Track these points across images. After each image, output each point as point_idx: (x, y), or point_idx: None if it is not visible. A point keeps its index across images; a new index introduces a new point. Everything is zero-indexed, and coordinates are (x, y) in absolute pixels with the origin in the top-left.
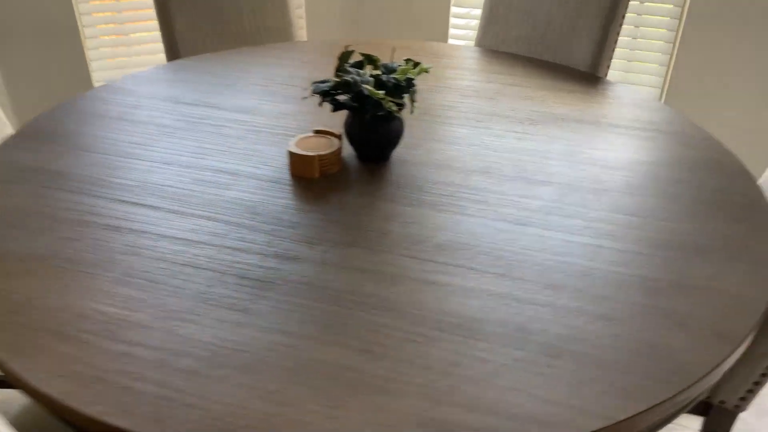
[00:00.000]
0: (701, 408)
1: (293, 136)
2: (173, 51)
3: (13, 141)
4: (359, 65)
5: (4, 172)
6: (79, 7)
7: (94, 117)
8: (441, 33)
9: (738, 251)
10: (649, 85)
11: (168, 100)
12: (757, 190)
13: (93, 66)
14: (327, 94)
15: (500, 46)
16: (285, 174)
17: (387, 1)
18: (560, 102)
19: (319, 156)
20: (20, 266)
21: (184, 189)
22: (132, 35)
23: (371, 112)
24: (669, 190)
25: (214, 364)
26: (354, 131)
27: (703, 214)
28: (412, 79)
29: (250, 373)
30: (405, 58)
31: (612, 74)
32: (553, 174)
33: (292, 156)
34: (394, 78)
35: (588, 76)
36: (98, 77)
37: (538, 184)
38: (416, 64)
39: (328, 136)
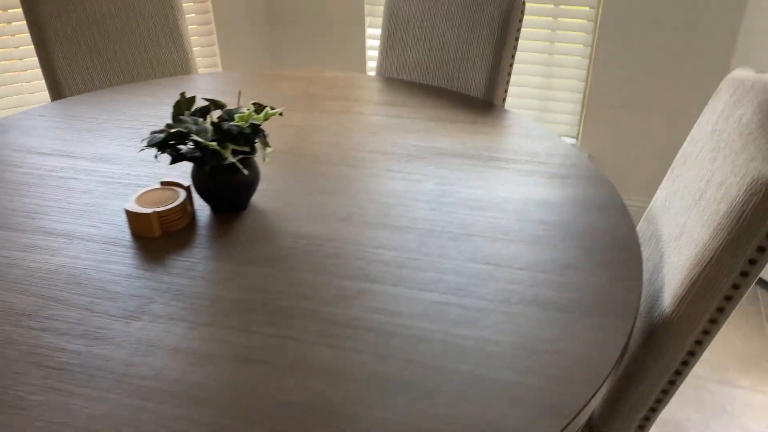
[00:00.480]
0: None
1: (144, 187)
2: (57, 89)
3: None
4: (204, 111)
5: None
6: None
7: None
8: (359, 63)
9: (595, 303)
10: (565, 123)
11: (21, 150)
12: (632, 231)
13: None
14: (163, 146)
15: (399, 73)
16: (125, 233)
17: (303, 31)
18: (444, 134)
19: (158, 213)
20: None
21: (15, 258)
22: (20, 73)
23: (211, 163)
24: (535, 233)
25: None
26: (199, 183)
27: (566, 260)
28: (258, 124)
29: None
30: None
31: (529, 106)
32: (417, 219)
33: (129, 214)
34: (235, 125)
35: (481, 103)
36: None
37: (400, 230)
38: (262, 108)
39: (175, 188)
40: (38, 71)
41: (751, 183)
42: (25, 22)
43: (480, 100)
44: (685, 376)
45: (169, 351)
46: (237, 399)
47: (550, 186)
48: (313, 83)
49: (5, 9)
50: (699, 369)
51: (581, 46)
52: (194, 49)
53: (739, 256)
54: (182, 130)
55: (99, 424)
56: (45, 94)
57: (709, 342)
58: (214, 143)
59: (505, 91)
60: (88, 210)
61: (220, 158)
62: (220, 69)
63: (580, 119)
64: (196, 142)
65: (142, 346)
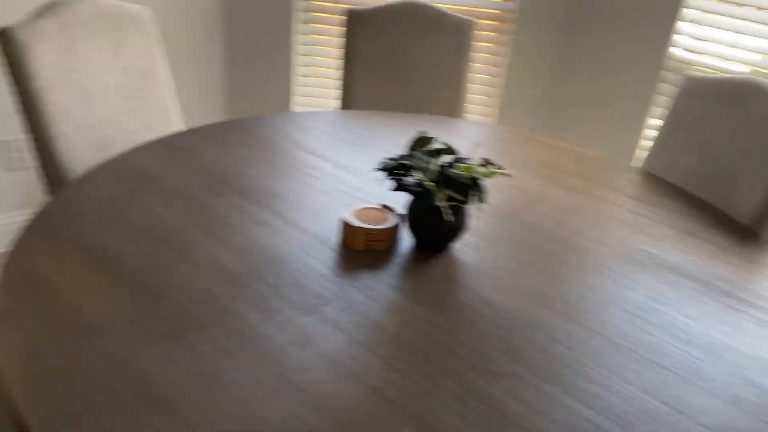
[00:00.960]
0: None
1: (369, 203)
2: (347, 101)
3: (156, 146)
4: (437, 152)
5: (120, 167)
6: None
7: (241, 142)
8: (625, 149)
9: None
10: None
11: (291, 142)
12: None
13: (298, 91)
14: (389, 172)
15: (666, 171)
16: (334, 238)
17: (585, 103)
18: (681, 249)
19: (366, 229)
20: (72, 253)
21: (243, 226)
22: (325, 80)
23: (424, 201)
24: (741, 395)
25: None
26: (411, 215)
27: None
28: (478, 179)
29: None
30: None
31: None
32: (608, 325)
33: (343, 223)
34: (457, 173)
35: (743, 229)
36: (300, 102)
37: (584, 330)
38: (489, 165)
39: (389, 213)
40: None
41: None
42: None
43: (744, 225)
44: None
45: (319, 354)
46: (350, 425)
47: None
48: (567, 155)
49: (330, 36)
50: None
51: None
52: (477, 96)
53: None
54: (409, 163)
55: (237, 392)
56: (338, 102)
57: None
58: (431, 183)
59: None
60: (316, 207)
61: (433, 199)
62: (495, 119)
63: None
64: (420, 182)
65: (301, 339)
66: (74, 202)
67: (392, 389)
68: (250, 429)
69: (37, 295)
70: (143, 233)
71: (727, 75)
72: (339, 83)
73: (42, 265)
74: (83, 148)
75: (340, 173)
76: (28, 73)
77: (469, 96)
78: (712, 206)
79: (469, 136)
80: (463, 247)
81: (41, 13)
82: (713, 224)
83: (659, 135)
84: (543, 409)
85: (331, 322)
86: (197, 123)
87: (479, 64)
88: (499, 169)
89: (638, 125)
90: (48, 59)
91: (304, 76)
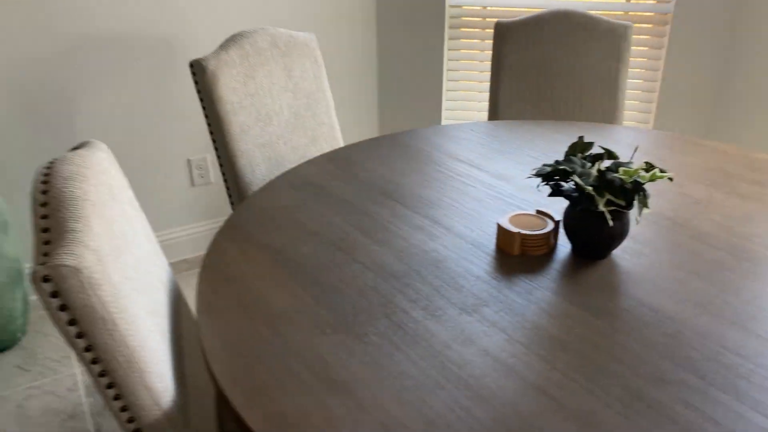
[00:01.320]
0: None
1: (523, 209)
2: (495, 112)
3: (323, 160)
4: (596, 158)
5: (294, 178)
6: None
7: (396, 154)
8: None
9: None
10: None
11: (444, 153)
12: None
13: (446, 105)
14: (547, 178)
15: None
16: (491, 243)
17: (752, 108)
18: None
19: (522, 234)
20: (258, 252)
21: (402, 231)
22: (475, 93)
23: (582, 206)
24: None
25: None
26: (568, 221)
27: None
28: (642, 183)
29: None
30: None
31: None
32: (767, 330)
33: (499, 228)
34: (618, 177)
35: None
36: (447, 115)
37: (760, 339)
38: (651, 168)
39: (546, 219)
40: (487, 94)
41: None
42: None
43: None
44: None
45: (481, 350)
46: (511, 418)
47: None
48: (736, 160)
49: (482, 50)
50: None
51: None
52: (631, 102)
53: None
54: (567, 168)
55: (406, 381)
56: (485, 114)
57: None
58: (591, 188)
59: None
60: (471, 215)
61: (593, 204)
62: (651, 126)
63: None
64: (576, 183)
65: (462, 336)
66: (257, 209)
67: (553, 387)
68: (420, 415)
69: (231, 289)
70: (316, 236)
71: None
72: (487, 95)
73: (233, 264)
74: (259, 163)
75: (493, 181)
76: (217, 96)
77: (626, 102)
78: None
79: (627, 141)
80: (623, 254)
81: (226, 45)
82: None
83: None
84: (714, 417)
85: (490, 322)
86: (354, 138)
87: (634, 69)
88: (663, 172)
89: None
90: (232, 85)
91: (453, 90)
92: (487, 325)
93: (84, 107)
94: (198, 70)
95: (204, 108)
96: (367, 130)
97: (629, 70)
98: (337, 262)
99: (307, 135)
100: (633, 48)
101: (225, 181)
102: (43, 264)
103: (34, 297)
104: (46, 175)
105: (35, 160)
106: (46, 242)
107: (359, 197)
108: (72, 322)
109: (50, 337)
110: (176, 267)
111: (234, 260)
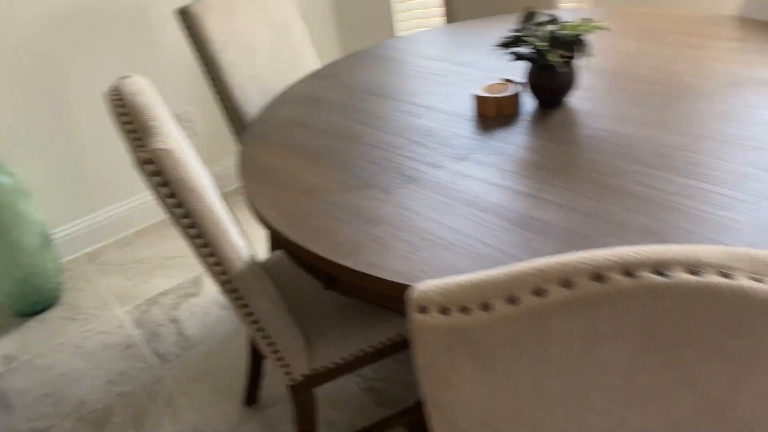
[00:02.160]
0: None
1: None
2: (451, 16)
3: (310, 78)
4: (544, 23)
5: (291, 96)
6: None
7: (372, 64)
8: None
9: None
10: None
11: (415, 55)
12: None
13: (398, 17)
14: (508, 45)
15: (762, 14)
16: (469, 112)
17: None
18: None
19: (496, 98)
20: (281, 151)
21: (394, 117)
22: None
23: (539, 62)
24: None
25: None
26: (530, 79)
27: None
28: (580, 35)
29: None
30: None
31: None
32: (714, 131)
33: (475, 97)
34: (564, 33)
35: None
36: (400, 27)
37: (691, 137)
38: (588, 22)
39: (511, 84)
40: (436, 8)
41: None
42: None
43: None
44: None
45: (478, 180)
46: (512, 214)
47: None
48: (661, 20)
49: None
50: None
51: None
52: None
53: None
54: (523, 34)
55: (428, 210)
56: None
57: None
58: (543, 45)
59: None
60: (449, 95)
61: (547, 59)
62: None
63: None
64: (533, 44)
65: (462, 175)
66: (266, 124)
67: (539, 192)
68: (445, 227)
69: (267, 177)
70: (324, 132)
71: None
72: (436, 9)
73: (262, 161)
74: (252, 93)
75: (461, 68)
76: (205, 38)
77: None
78: None
79: (568, 18)
80: (576, 100)
81: None
82: None
83: None
84: (662, 187)
85: (481, 162)
86: (322, 62)
87: None
88: (598, 23)
89: None
90: (216, 26)
91: (402, 1)
92: (479, 165)
93: (74, 74)
94: (185, 16)
95: (198, 50)
96: (330, 53)
97: None
98: (348, 147)
99: (287, 63)
100: None
101: (227, 113)
102: (143, 151)
103: (62, 260)
104: (116, 92)
105: (40, 128)
106: (137, 138)
107: (351, 99)
108: (171, 195)
109: (84, 291)
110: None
111: (261, 158)
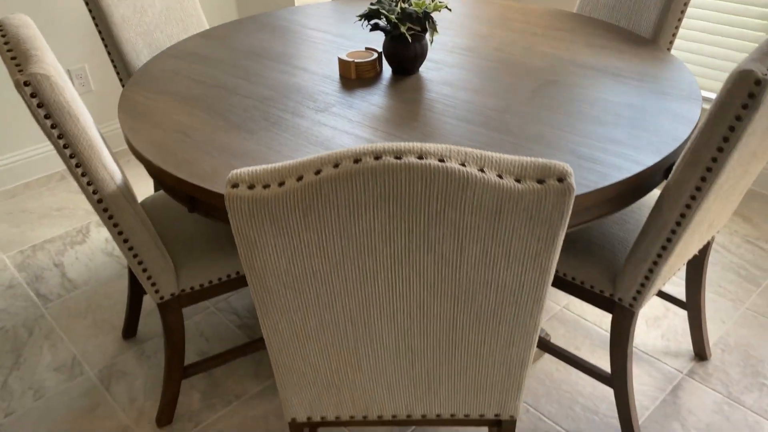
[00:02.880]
0: (608, 305)
1: (355, 48)
2: None
3: (197, 37)
4: (400, 0)
5: (176, 51)
6: None
7: (259, 29)
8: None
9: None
10: None
11: (299, 25)
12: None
13: None
14: (367, 17)
15: (593, 12)
16: (335, 74)
17: None
18: (591, 54)
19: (356, 63)
20: (159, 96)
21: (269, 74)
22: None
23: (392, 34)
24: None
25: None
26: (385, 48)
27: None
28: (428, 12)
29: None
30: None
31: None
32: (518, 98)
33: (339, 61)
34: (412, 9)
35: (634, 37)
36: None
37: (488, 95)
38: (433, 1)
39: (372, 52)
40: None
41: (730, 75)
42: None
43: (644, 38)
44: (679, 238)
45: (332, 128)
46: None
47: (639, 93)
48: (512, 11)
49: None
50: None
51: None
52: None
53: (716, 133)
54: (379, 8)
55: (285, 148)
56: None
57: (696, 209)
58: (393, 18)
59: (674, 35)
60: (321, 60)
61: (399, 30)
62: None
63: None
64: (386, 17)
65: (318, 123)
66: (150, 74)
67: (376, 137)
68: (294, 159)
69: (144, 118)
70: (202, 83)
71: None
72: None
73: (141, 104)
74: (141, 49)
75: (336, 39)
76: None
77: None
78: (622, 29)
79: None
80: (427, 70)
81: None
82: (624, 40)
83: None
84: (472, 138)
85: (337, 114)
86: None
87: None
88: (442, 4)
89: None
90: None
91: None
92: (334, 116)
93: None
94: None
95: (87, 4)
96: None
97: None
98: (223, 96)
99: (179, 25)
100: None
101: (114, 67)
102: (22, 74)
103: None
104: (0, 24)
105: None
106: (17, 64)
107: (232, 57)
108: (47, 116)
109: None
110: None
111: (141, 102)
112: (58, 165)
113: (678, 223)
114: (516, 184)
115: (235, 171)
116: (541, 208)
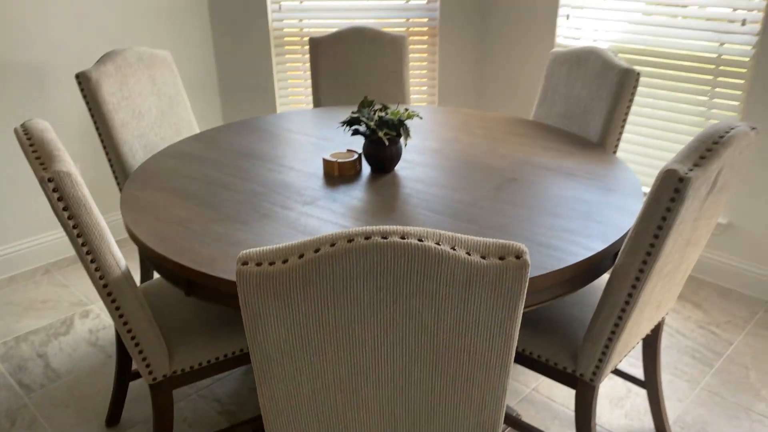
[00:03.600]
0: (571, 380)
1: (337, 151)
2: (317, 102)
3: (190, 139)
4: (377, 110)
5: (171, 152)
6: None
7: (247, 132)
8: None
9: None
10: None
11: (284, 129)
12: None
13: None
14: (349, 124)
15: (546, 119)
16: (320, 172)
17: (503, 82)
18: (543, 156)
19: (338, 162)
20: (157, 191)
21: (259, 172)
22: (295, 89)
23: (371, 138)
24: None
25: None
26: (365, 150)
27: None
28: (402, 120)
29: None
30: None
31: None
32: (483, 193)
33: (324, 161)
34: (389, 118)
35: (588, 144)
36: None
37: (465, 191)
38: (407, 111)
39: (353, 153)
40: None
41: (658, 174)
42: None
43: (591, 142)
44: (629, 316)
45: (317, 218)
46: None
47: (588, 189)
48: (475, 118)
49: (303, 60)
50: None
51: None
52: (419, 88)
53: (651, 224)
54: (359, 116)
55: (275, 237)
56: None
57: (641, 289)
58: (372, 124)
59: (618, 139)
60: (306, 159)
61: (376, 135)
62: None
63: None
64: (365, 124)
65: (306, 215)
66: (147, 170)
67: (357, 226)
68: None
69: (143, 208)
70: (198, 181)
71: (574, 46)
72: (310, 90)
73: (140, 196)
74: (137, 150)
75: (319, 141)
76: (101, 99)
77: (413, 89)
78: (573, 134)
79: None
80: (401, 169)
81: (103, 60)
82: (574, 143)
83: (540, 94)
84: (438, 209)
85: (322, 206)
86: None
87: (420, 63)
88: (414, 113)
89: (534, 92)
90: (111, 90)
91: (283, 88)
92: (321, 209)
93: None
94: (83, 79)
95: (90, 110)
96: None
97: (412, 66)
98: (218, 192)
99: (172, 128)
100: (414, 53)
101: (111, 166)
102: (46, 171)
103: None
104: (25, 128)
105: None
106: (41, 163)
107: (225, 157)
108: (65, 209)
109: None
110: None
111: (140, 196)
112: (43, 259)
113: (627, 302)
114: (481, 260)
115: (244, 251)
116: (503, 280)
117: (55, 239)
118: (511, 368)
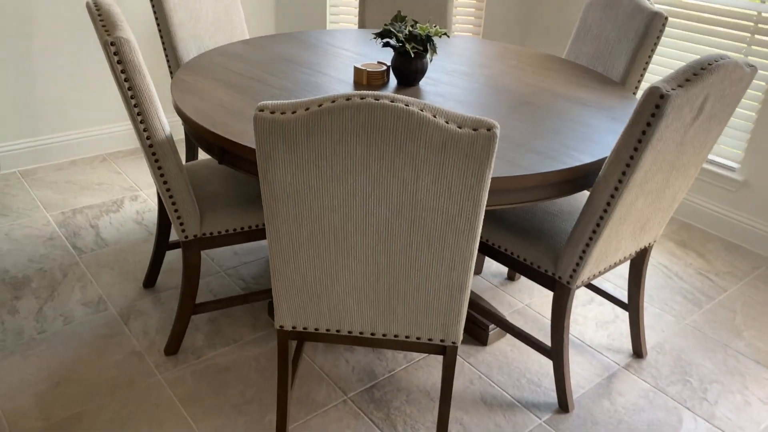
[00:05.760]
0: (550, 282)
1: (369, 61)
2: (362, 23)
3: (239, 43)
4: (408, 24)
5: (221, 51)
6: None
7: (292, 42)
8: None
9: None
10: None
11: (326, 43)
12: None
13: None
14: (380, 36)
15: (577, 59)
16: (349, 80)
17: (548, 21)
18: (566, 87)
19: (368, 72)
20: (204, 79)
21: (294, 74)
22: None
23: (399, 50)
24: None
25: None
26: (393, 62)
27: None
28: (430, 35)
29: None
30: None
31: None
32: (505, 110)
33: (354, 69)
34: (418, 32)
35: (606, 79)
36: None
37: (466, 106)
38: (435, 27)
39: (383, 65)
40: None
41: (645, 90)
42: None
43: (615, 81)
44: (605, 224)
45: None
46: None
47: (595, 116)
48: (512, 52)
49: None
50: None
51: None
52: (462, 17)
53: (632, 136)
54: (390, 29)
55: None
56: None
57: (619, 199)
58: (402, 36)
59: (639, 81)
60: (341, 68)
61: (405, 48)
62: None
63: (747, 144)
64: (396, 37)
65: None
66: (199, 63)
67: None
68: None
69: (190, 91)
70: (241, 75)
71: None
72: (357, 10)
73: (189, 81)
74: (191, 49)
75: (356, 56)
76: None
77: (460, 24)
78: (598, 72)
79: (446, 39)
80: (425, 84)
81: None
82: (597, 80)
83: (573, 34)
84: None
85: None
86: None
87: (464, 5)
88: (441, 30)
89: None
90: None
91: (334, 5)
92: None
93: (38, 10)
94: None
95: (153, 6)
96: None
97: (460, 2)
98: (255, 86)
99: (226, 35)
100: None
101: (167, 61)
102: (110, 36)
103: None
104: (95, 1)
105: (2, 54)
106: (106, 30)
107: (267, 60)
108: (123, 71)
109: (16, 197)
110: (129, 152)
111: (189, 81)
112: (102, 149)
113: (605, 210)
114: (457, 129)
115: (262, 102)
116: (474, 148)
117: (115, 132)
118: (479, 236)
